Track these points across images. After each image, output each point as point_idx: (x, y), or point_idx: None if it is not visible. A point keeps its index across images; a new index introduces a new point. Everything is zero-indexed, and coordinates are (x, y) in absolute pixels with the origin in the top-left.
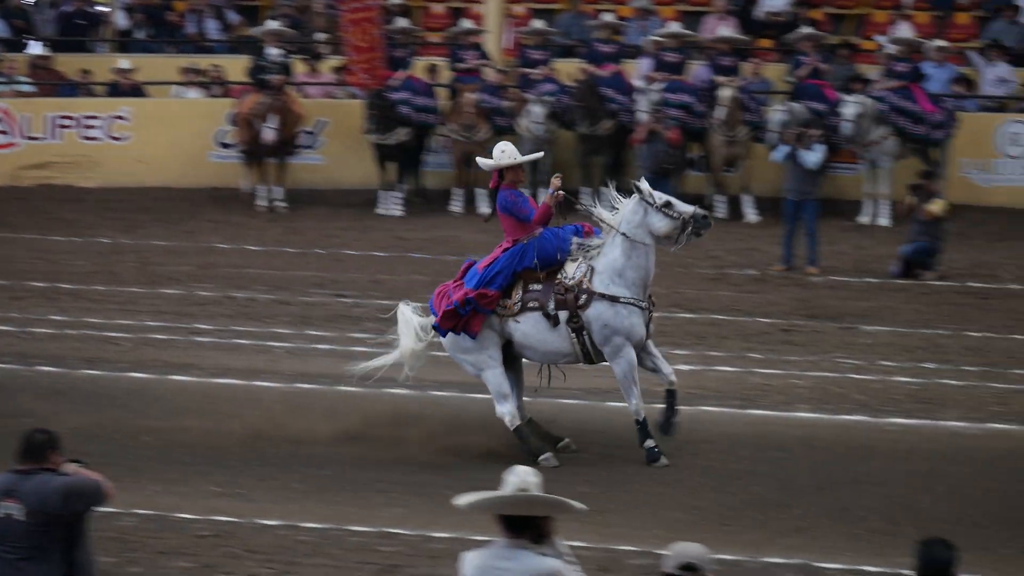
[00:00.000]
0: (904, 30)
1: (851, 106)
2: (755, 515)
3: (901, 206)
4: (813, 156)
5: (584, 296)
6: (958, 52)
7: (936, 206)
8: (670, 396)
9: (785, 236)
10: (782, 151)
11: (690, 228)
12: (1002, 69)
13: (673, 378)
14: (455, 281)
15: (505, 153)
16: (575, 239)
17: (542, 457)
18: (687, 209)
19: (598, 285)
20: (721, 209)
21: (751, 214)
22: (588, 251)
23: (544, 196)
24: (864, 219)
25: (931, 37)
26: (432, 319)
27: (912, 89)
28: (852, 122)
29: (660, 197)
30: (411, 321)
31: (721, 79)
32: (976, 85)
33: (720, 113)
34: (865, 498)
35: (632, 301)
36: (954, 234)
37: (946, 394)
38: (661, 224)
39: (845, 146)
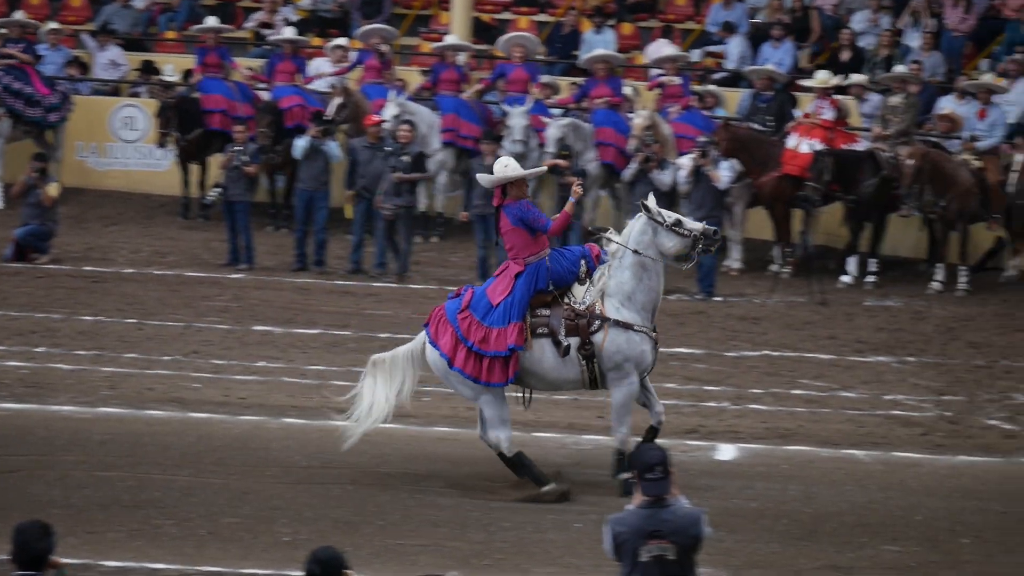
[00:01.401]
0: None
1: None
2: None
3: (15, 188)
4: None
5: (597, 322)
6: (72, 35)
7: (52, 189)
8: (652, 433)
9: None
10: None
11: (701, 245)
12: (114, 53)
13: (662, 418)
14: (461, 312)
15: (508, 167)
16: (583, 262)
17: (546, 488)
18: (697, 227)
19: (610, 310)
20: None
21: None
22: (596, 273)
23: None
24: None
25: (45, 19)
26: (425, 346)
27: (27, 71)
28: None
29: (669, 216)
30: (399, 360)
31: None
32: (90, 68)
33: None
34: None
35: (644, 330)
36: (69, 217)
37: (58, 378)
38: (672, 243)
39: None
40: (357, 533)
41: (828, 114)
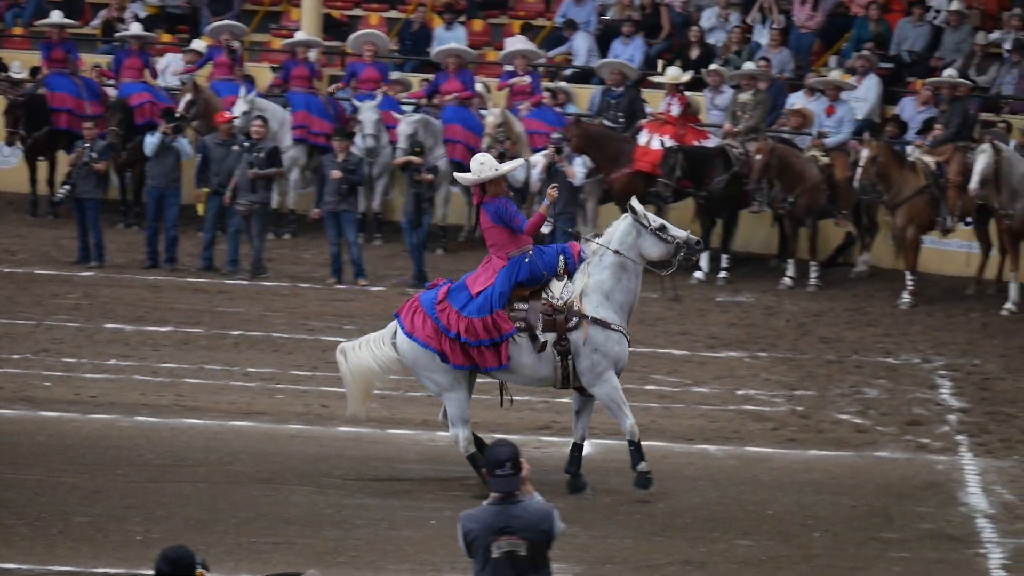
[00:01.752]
0: None
1: None
2: None
3: None
4: None
5: (575, 319)
6: None
7: None
8: (576, 450)
9: None
10: None
11: (683, 253)
12: None
13: (585, 434)
14: (439, 303)
15: (485, 165)
16: (561, 258)
17: None
18: (680, 234)
19: (588, 308)
20: None
21: None
22: (576, 271)
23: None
24: None
25: None
26: (397, 335)
27: None
28: None
29: (655, 220)
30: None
31: None
32: None
33: None
34: None
35: (621, 329)
36: None
37: None
38: (654, 248)
39: None
40: (209, 531)
41: (677, 110)
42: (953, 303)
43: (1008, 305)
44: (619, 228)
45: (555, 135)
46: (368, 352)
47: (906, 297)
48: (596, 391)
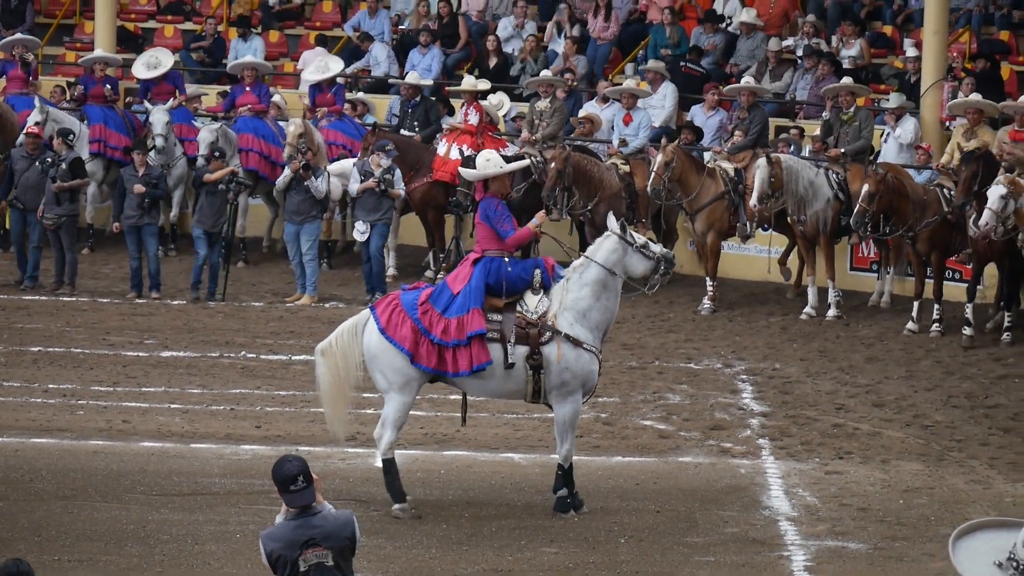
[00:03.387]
0: None
1: None
2: None
3: None
4: None
5: (548, 334)
6: None
7: None
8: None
9: None
10: None
11: (662, 269)
12: None
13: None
14: (421, 304)
15: (491, 162)
16: (537, 271)
17: (398, 506)
18: (660, 250)
19: (563, 324)
20: None
21: None
22: (555, 285)
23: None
24: None
25: None
26: (368, 327)
27: None
28: None
29: (639, 238)
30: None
31: None
32: None
33: None
34: None
35: (593, 350)
36: None
37: None
38: (639, 265)
39: None
40: (11, 550)
41: (475, 119)
42: (753, 308)
43: (807, 309)
44: (604, 245)
45: (389, 147)
46: (339, 351)
47: (707, 303)
48: (559, 408)
